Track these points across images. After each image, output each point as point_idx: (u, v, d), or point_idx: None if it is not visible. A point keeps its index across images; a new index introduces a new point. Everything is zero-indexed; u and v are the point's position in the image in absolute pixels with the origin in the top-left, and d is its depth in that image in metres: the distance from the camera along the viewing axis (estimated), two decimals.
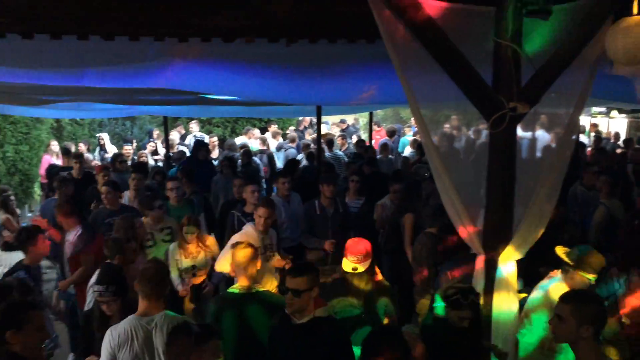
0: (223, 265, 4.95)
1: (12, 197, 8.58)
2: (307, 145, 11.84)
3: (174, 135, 13.63)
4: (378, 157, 10.99)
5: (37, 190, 13.31)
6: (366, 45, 4.58)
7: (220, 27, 4.25)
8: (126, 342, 3.34)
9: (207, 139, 12.93)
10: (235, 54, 4.59)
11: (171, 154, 11.76)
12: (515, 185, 3.67)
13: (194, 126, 14.44)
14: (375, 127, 14.96)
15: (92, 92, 6.57)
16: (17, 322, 2.68)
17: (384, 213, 6.80)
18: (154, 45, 4.31)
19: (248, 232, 5.19)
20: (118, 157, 9.78)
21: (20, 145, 12.87)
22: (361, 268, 4.00)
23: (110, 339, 3.36)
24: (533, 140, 4.22)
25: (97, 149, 13.37)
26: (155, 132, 14.21)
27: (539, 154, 4.40)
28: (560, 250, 4.05)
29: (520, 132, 3.75)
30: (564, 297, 3.00)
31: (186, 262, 5.54)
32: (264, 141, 12.74)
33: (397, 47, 3.53)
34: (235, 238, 5.11)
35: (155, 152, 12.69)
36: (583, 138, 13.47)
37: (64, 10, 3.86)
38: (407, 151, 12.53)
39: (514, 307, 3.76)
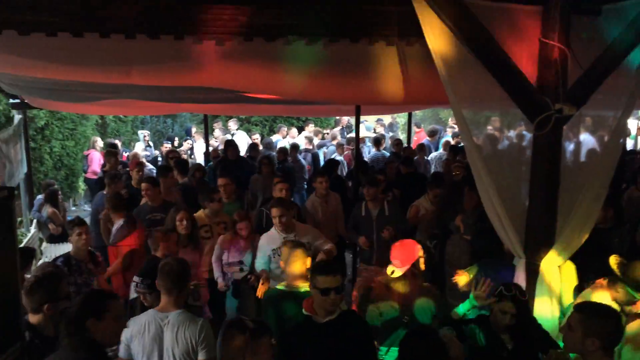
0: (258, 263, 5.03)
1: (59, 191, 8.87)
2: (341, 145, 11.84)
3: (218, 133, 13.81)
4: (415, 158, 10.92)
5: (81, 185, 13.68)
6: (405, 47, 4.56)
7: (261, 26, 4.29)
8: (138, 334, 3.39)
9: (239, 137, 13.03)
10: (275, 53, 4.62)
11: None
12: (559, 189, 3.60)
13: (232, 124, 14.59)
14: (415, 128, 14.86)
15: (135, 90, 6.71)
16: (97, 311, 2.76)
17: (420, 214, 6.80)
18: (196, 44, 4.38)
19: (270, 233, 5.23)
20: (170, 154, 9.93)
21: (66, 140, 13.26)
22: (398, 272, 3.98)
23: (127, 328, 3.36)
24: (578, 144, 4.11)
25: (142, 145, 13.63)
26: (193, 130, 14.37)
27: (583, 158, 4.28)
28: (613, 259, 3.81)
29: (564, 135, 3.68)
30: (577, 306, 2.94)
31: (233, 257, 5.55)
32: (310, 140, 12.76)
33: (440, 47, 3.51)
34: (262, 238, 5.20)
35: (191, 150, 12.84)
36: (629, 142, 13.03)
37: (113, 10, 4.03)
38: (435, 154, 12.32)
39: (556, 313, 3.69)
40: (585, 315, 2.78)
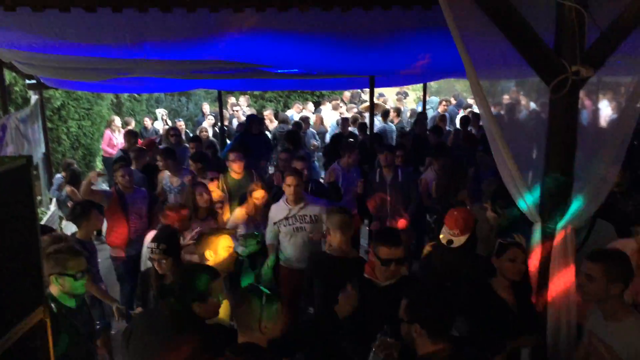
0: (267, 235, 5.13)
1: (79, 171, 8.98)
2: (355, 119, 11.83)
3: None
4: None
5: (98, 165, 13.84)
6: (422, 11, 4.49)
7: None
8: None
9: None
10: (290, 24, 4.60)
11: (226, 128, 11.97)
12: (576, 154, 3.56)
13: (243, 100, 14.57)
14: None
15: (149, 66, 6.73)
16: (202, 296, 2.89)
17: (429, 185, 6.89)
18: (210, 16, 4.37)
19: (278, 203, 5.30)
20: (171, 131, 10.03)
21: (82, 120, 13.37)
22: (457, 242, 3.97)
23: None
24: (595, 110, 4.06)
25: (161, 124, 13.74)
26: (205, 106, 14.37)
27: (600, 123, 4.24)
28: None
29: (581, 101, 3.63)
30: (592, 257, 3.06)
31: (249, 229, 5.53)
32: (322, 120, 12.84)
33: (455, 11, 3.46)
34: (271, 210, 5.29)
35: (214, 126, 12.91)
36: None
37: None
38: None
39: (571, 276, 3.68)
40: (604, 263, 2.94)
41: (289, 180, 5.15)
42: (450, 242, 3.98)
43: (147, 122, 13.38)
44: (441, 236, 4.06)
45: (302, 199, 5.23)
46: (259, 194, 5.56)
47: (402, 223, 6.29)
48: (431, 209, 6.81)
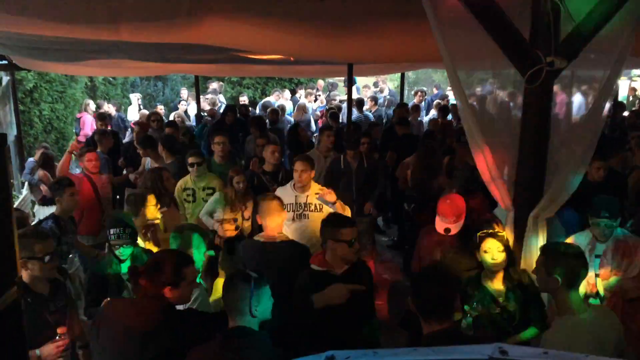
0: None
1: (52, 154, 8.82)
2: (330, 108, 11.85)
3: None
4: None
5: None
6: (401, 1, 4.51)
7: None
8: None
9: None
10: (268, 9, 4.56)
11: (203, 114, 11.87)
12: (549, 144, 3.64)
13: (215, 86, 14.41)
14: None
15: (125, 49, 6.63)
16: (175, 281, 2.84)
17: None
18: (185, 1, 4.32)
19: (285, 189, 5.21)
20: (152, 116, 9.91)
21: (56, 103, 13.11)
22: (454, 229, 4.00)
23: None
24: (569, 103, 4.14)
25: (135, 109, 13.52)
26: (184, 92, 14.26)
27: (573, 116, 4.33)
28: None
29: (556, 93, 3.71)
30: (541, 248, 3.11)
31: (228, 215, 5.43)
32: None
33: (433, 1, 3.49)
34: (276, 192, 5.14)
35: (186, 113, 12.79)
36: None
37: None
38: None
39: None
40: (545, 256, 2.96)
41: (298, 165, 5.07)
42: (447, 230, 4.01)
43: (111, 108, 12.72)
44: (437, 226, 4.08)
45: (309, 187, 5.17)
46: (238, 179, 5.55)
47: (367, 207, 6.46)
48: (408, 197, 6.88)
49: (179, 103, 13.15)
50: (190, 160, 5.95)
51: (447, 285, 2.60)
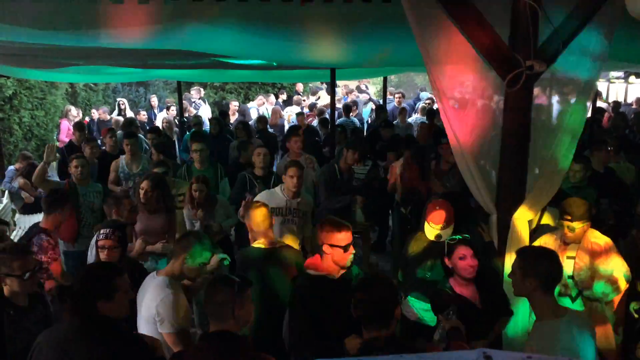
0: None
1: (36, 164, 8.66)
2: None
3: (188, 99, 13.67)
4: (395, 122, 10.99)
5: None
6: (382, 5, 4.52)
7: None
8: None
9: (203, 111, 13.03)
10: (250, 14, 4.55)
11: (185, 119, 11.79)
12: (530, 146, 3.67)
13: (194, 93, 14.31)
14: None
15: (106, 56, 6.58)
16: (107, 293, 2.72)
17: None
18: (168, 5, 4.29)
19: (274, 192, 5.16)
20: (133, 122, 9.81)
21: (36, 110, 12.92)
22: (445, 235, 3.97)
23: None
24: (549, 105, 4.19)
25: (116, 113, 13.34)
26: (154, 99, 14.10)
27: (554, 117, 4.37)
28: None
29: (537, 95, 3.74)
30: (517, 251, 3.12)
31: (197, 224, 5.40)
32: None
33: (414, 5, 3.51)
34: (262, 197, 5.06)
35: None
36: (601, 104, 13.26)
37: None
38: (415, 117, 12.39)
39: None
40: (521, 258, 2.97)
41: (291, 171, 5.04)
42: (439, 236, 4.00)
43: (102, 113, 12.67)
44: (427, 233, 4.07)
45: (300, 193, 5.15)
46: (195, 187, 5.42)
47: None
48: (404, 200, 6.87)
49: (161, 112, 13.02)
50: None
51: (386, 294, 2.64)
